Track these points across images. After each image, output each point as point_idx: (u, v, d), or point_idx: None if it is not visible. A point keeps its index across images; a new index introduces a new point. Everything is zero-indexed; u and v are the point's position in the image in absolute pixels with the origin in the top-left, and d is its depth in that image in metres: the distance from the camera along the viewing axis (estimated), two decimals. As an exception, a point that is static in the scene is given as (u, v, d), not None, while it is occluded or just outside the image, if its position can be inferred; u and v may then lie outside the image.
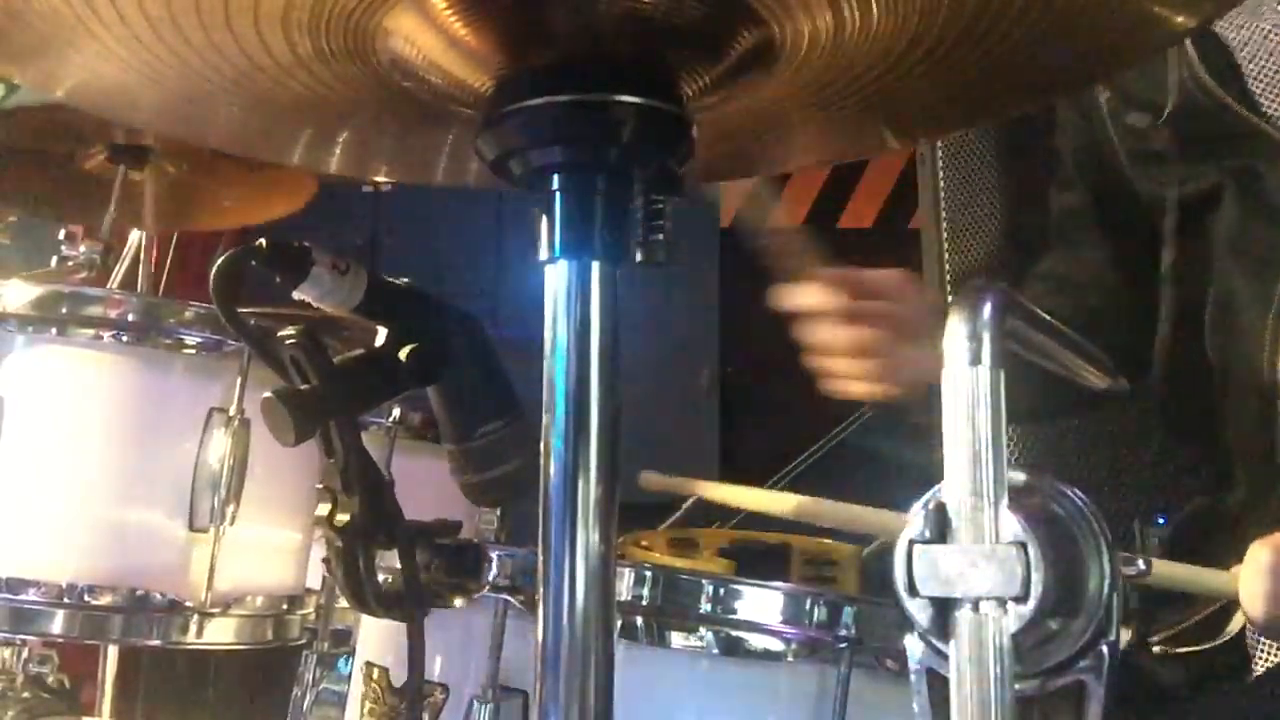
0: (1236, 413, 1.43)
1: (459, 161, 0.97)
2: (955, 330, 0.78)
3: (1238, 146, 1.38)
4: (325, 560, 0.96)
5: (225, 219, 2.55)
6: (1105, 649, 0.79)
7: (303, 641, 1.80)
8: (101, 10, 0.72)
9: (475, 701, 1.16)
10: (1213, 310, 1.45)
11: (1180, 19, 0.76)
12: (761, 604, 1.13)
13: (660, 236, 0.76)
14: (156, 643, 1.69)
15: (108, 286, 2.31)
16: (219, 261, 0.94)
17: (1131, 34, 0.77)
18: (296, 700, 1.49)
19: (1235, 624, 1.31)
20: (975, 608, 0.75)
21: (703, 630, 1.14)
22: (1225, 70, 1.37)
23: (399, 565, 0.98)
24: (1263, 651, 1.33)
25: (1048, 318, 0.89)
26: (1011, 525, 0.75)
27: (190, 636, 1.68)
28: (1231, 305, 1.42)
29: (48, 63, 0.83)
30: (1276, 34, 1.35)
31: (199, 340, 1.71)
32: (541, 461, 0.74)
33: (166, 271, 2.75)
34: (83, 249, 2.15)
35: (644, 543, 1.42)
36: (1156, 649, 1.33)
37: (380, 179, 1.08)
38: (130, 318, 1.71)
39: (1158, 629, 1.34)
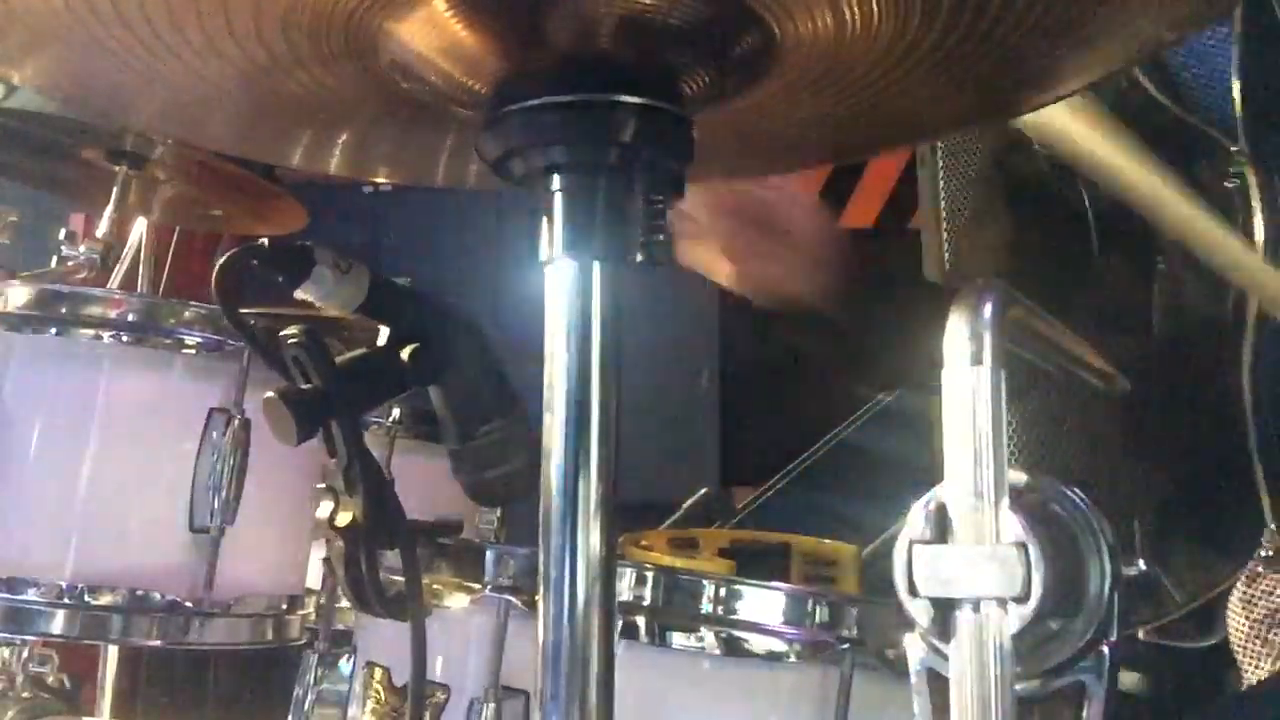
0: (1203, 415, 1.43)
1: (459, 162, 0.97)
2: (955, 330, 0.78)
3: (1173, 153, 1.38)
4: (327, 560, 0.96)
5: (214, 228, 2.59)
6: (1105, 649, 0.79)
7: (303, 641, 1.80)
8: (99, 8, 0.72)
9: (476, 702, 1.16)
10: (1163, 315, 1.45)
11: (1181, 18, 0.76)
12: (763, 604, 1.13)
13: (660, 236, 0.76)
14: (156, 643, 1.69)
15: (108, 286, 2.31)
16: (221, 261, 0.94)
17: (1134, 32, 0.77)
18: (297, 700, 1.49)
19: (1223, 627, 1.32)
20: (976, 608, 0.75)
21: (703, 630, 1.14)
22: (1160, 75, 1.37)
23: (401, 565, 0.98)
24: (1250, 661, 1.33)
25: (1049, 317, 0.89)
26: (1011, 525, 0.75)
27: (190, 636, 1.69)
28: (1185, 311, 1.42)
29: (45, 62, 0.83)
30: (1207, 45, 1.35)
31: (199, 340, 1.71)
32: (542, 461, 0.74)
33: (167, 271, 2.76)
34: (83, 249, 2.15)
35: (644, 543, 1.42)
36: (1142, 635, 1.34)
37: (380, 179, 1.08)
38: (130, 318, 1.71)
39: (1138, 623, 1.34)
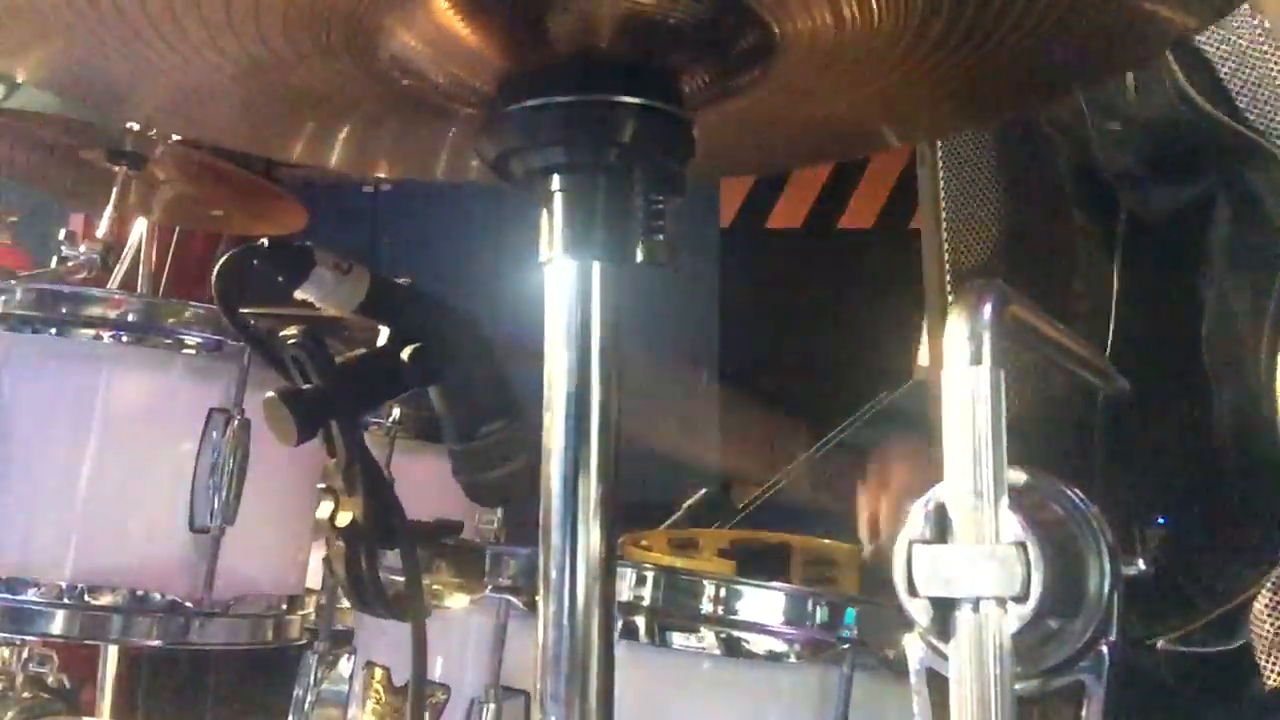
0: (1233, 414, 1.43)
1: (459, 158, 0.97)
2: (955, 330, 0.78)
3: (1226, 159, 1.39)
4: (327, 560, 0.96)
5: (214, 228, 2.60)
6: (1105, 649, 0.79)
7: (303, 642, 1.80)
8: (101, 2, 0.72)
9: (476, 702, 1.16)
10: (1209, 321, 1.46)
11: (1181, 18, 0.76)
12: (763, 604, 1.13)
13: (660, 236, 0.76)
14: (156, 643, 1.69)
15: (108, 286, 2.31)
16: (220, 261, 0.94)
17: (1131, 34, 0.77)
18: (298, 700, 1.49)
19: (1245, 633, 1.31)
20: (975, 608, 0.75)
21: (704, 631, 1.14)
22: (1211, 84, 1.37)
23: (401, 565, 0.98)
24: (1272, 667, 1.32)
25: (1049, 318, 0.89)
26: (1011, 525, 0.75)
27: (190, 636, 1.68)
28: (1228, 310, 1.42)
29: (47, 57, 0.83)
30: (1254, 47, 1.35)
31: (199, 340, 1.71)
32: (542, 461, 0.74)
33: (167, 271, 2.76)
34: (83, 249, 2.15)
35: (644, 543, 1.42)
36: (1161, 644, 1.33)
37: (381, 176, 1.08)
38: (130, 318, 1.71)
39: (1164, 630, 1.34)
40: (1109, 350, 1.52)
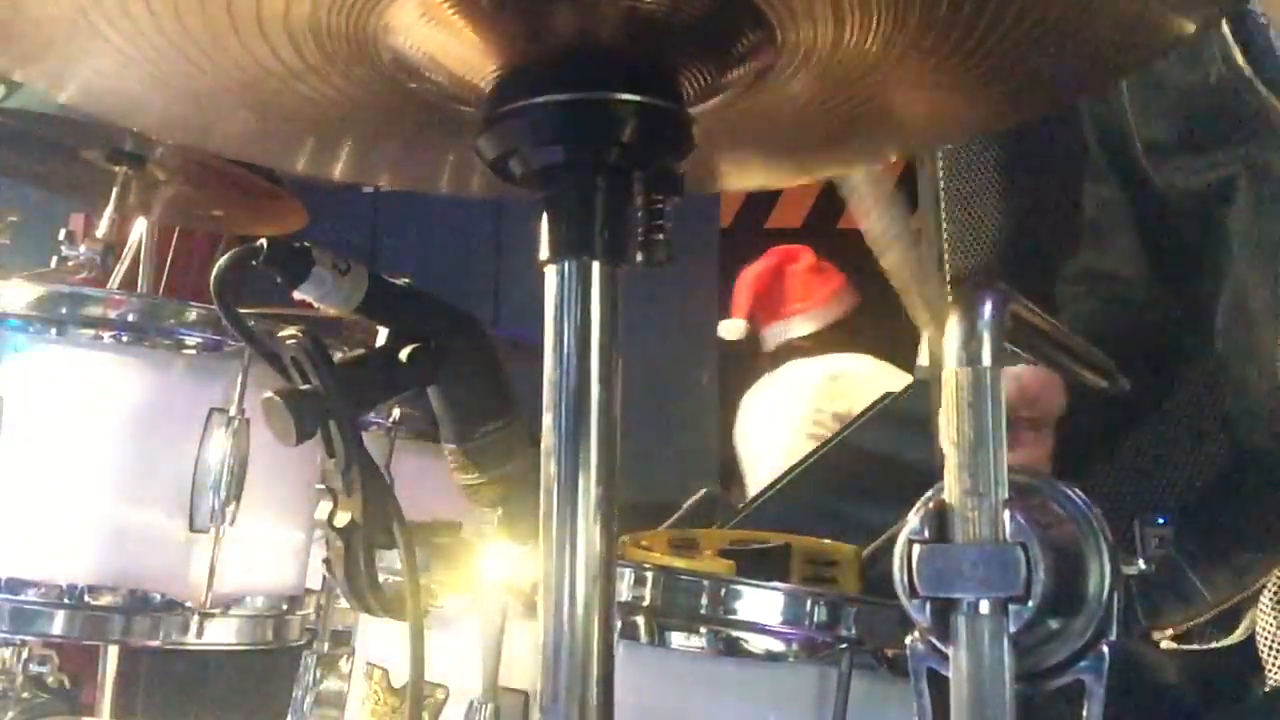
0: (1246, 405, 1.43)
1: (462, 170, 0.97)
2: (955, 330, 0.78)
3: (1254, 136, 1.37)
4: (326, 561, 0.96)
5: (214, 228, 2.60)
6: (1105, 649, 0.79)
7: (303, 642, 1.81)
8: (107, 11, 0.72)
9: (475, 702, 1.16)
10: (1225, 303, 1.44)
11: (1179, 25, 0.76)
12: (762, 604, 1.13)
13: (660, 236, 0.76)
14: (156, 643, 1.69)
15: (108, 286, 2.31)
16: (220, 262, 0.94)
17: (1131, 41, 0.77)
18: (297, 701, 1.49)
19: (1244, 627, 1.31)
20: (975, 607, 0.75)
21: (703, 630, 1.14)
22: (1263, 54, 1.35)
23: (399, 565, 0.98)
24: (1275, 662, 1.32)
25: (1048, 318, 0.89)
26: (1011, 525, 0.75)
27: (190, 636, 1.69)
28: (1243, 298, 1.41)
29: (52, 64, 0.83)
30: None
31: (199, 340, 1.71)
32: (542, 461, 0.74)
33: (167, 271, 2.76)
34: (83, 249, 2.15)
35: (644, 543, 1.42)
36: (1164, 644, 1.33)
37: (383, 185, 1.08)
38: (130, 318, 1.71)
39: (1162, 624, 1.33)
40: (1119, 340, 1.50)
